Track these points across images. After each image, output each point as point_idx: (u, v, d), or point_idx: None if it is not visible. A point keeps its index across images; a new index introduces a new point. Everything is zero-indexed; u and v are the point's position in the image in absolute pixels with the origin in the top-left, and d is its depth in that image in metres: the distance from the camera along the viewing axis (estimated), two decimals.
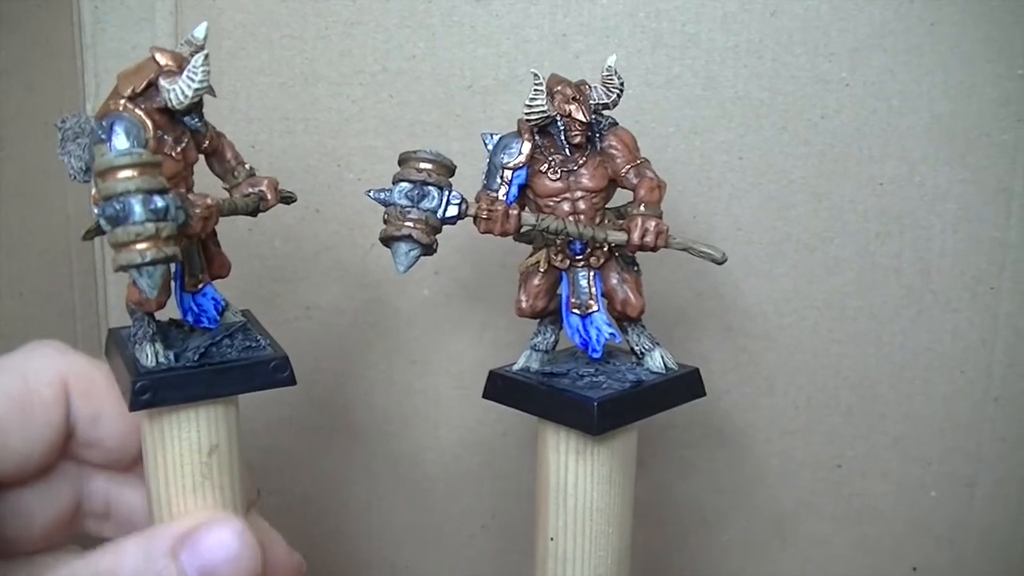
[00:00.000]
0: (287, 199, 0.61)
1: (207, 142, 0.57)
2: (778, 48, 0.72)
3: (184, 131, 0.56)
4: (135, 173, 0.47)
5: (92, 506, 0.59)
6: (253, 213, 0.59)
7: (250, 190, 0.59)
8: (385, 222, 0.55)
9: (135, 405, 0.52)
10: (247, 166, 0.59)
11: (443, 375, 0.80)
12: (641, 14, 0.72)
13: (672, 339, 0.75)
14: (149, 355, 0.55)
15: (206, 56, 0.51)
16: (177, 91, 0.52)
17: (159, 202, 0.47)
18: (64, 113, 0.77)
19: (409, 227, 0.54)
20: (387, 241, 0.55)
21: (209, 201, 0.54)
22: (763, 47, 0.72)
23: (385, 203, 0.55)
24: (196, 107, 0.54)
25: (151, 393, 0.52)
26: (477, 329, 0.79)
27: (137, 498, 0.58)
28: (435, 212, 0.54)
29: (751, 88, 0.73)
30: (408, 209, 0.54)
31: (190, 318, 0.59)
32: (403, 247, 0.54)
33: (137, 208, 0.46)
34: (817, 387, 0.77)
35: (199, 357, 0.55)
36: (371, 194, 0.55)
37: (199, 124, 0.55)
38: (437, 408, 0.81)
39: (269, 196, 0.58)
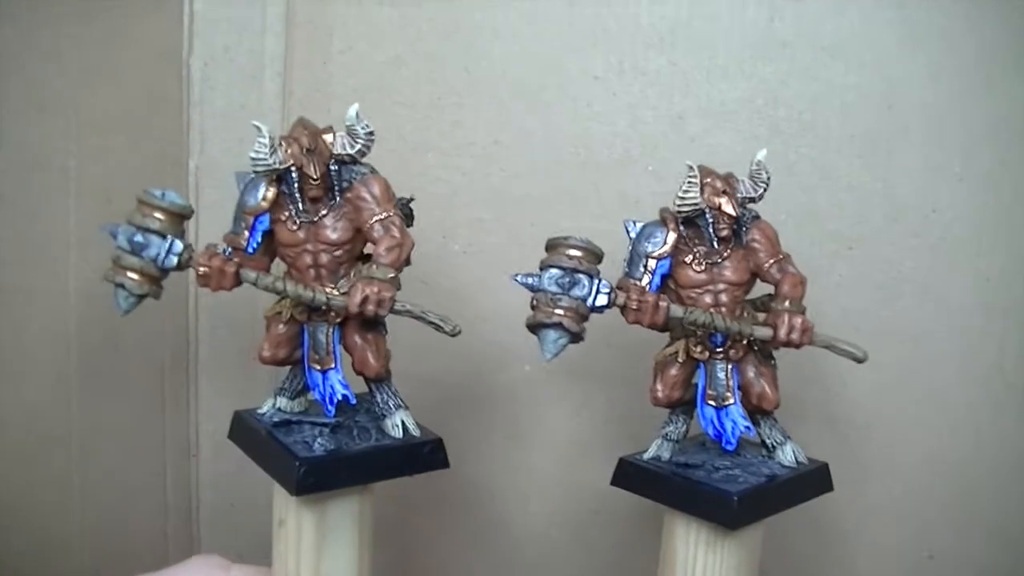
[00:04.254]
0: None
1: (365, 227, 0.56)
2: (893, 138, 0.72)
3: (322, 208, 0.56)
4: (146, 212, 0.54)
5: None
6: (318, 309, 0.57)
7: (344, 292, 0.56)
8: (533, 308, 0.55)
9: (300, 489, 0.53)
10: (378, 267, 0.55)
11: (538, 449, 0.80)
12: (759, 100, 0.72)
13: None
14: (267, 404, 0.60)
15: (260, 131, 0.54)
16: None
17: (139, 237, 0.54)
18: (168, 168, 0.78)
19: (559, 315, 0.54)
20: (535, 328, 0.55)
21: (216, 263, 0.55)
22: (879, 137, 0.72)
23: (533, 288, 0.55)
24: (278, 178, 0.56)
25: (314, 479, 0.53)
26: (575, 406, 0.79)
27: None
28: (585, 300, 0.54)
29: (864, 178, 0.73)
30: (559, 296, 0.54)
31: (317, 395, 0.58)
32: (552, 334, 0.54)
33: (121, 235, 0.54)
34: (914, 478, 0.76)
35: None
36: (519, 279, 0.55)
37: (293, 192, 0.56)
38: (529, 481, 0.81)
39: (350, 306, 0.55)
